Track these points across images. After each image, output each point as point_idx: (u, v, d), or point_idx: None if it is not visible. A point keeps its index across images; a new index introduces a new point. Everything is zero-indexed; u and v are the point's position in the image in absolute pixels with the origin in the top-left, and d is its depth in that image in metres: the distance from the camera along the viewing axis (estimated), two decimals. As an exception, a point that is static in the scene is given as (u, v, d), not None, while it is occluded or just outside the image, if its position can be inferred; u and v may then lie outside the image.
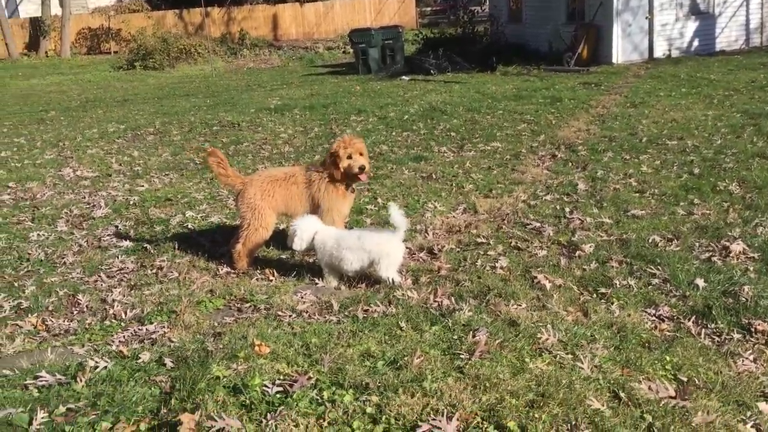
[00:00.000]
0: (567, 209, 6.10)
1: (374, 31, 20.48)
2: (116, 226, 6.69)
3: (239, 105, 14.70)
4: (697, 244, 5.04)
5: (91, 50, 34.69)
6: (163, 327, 4.17)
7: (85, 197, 7.92)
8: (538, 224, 5.74)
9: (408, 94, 14.57)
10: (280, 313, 4.21)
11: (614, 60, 17.53)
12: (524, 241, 5.36)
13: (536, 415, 2.69)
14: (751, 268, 4.51)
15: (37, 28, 33.01)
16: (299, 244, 4.70)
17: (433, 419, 2.63)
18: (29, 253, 6.08)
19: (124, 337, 4.08)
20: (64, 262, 5.81)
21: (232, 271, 5.19)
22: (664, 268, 4.60)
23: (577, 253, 4.99)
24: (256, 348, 3.32)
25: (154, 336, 4.03)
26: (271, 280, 4.90)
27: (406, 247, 5.08)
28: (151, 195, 7.71)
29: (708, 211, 5.79)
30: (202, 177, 8.47)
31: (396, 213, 4.52)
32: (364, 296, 4.42)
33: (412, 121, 11.35)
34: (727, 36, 18.76)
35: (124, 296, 4.97)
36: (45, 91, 21.68)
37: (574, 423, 2.64)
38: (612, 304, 4.09)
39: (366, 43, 20.17)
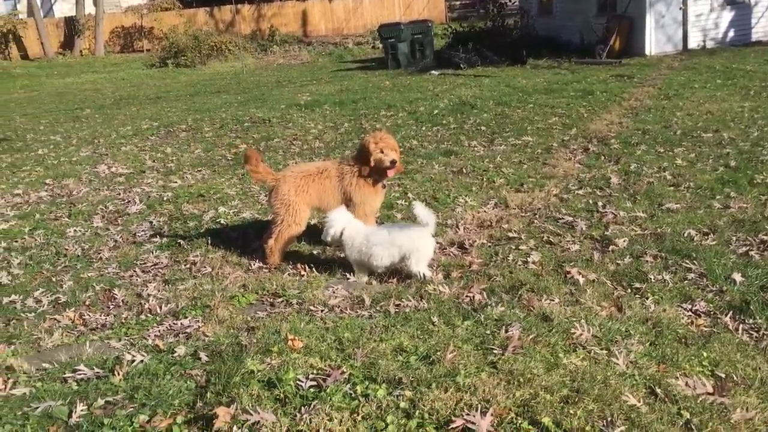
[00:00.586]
0: (600, 203, 6.03)
1: (403, 26, 20.43)
2: (150, 222, 6.79)
3: (270, 101, 14.79)
4: (734, 238, 4.95)
5: (125, 48, 35.17)
6: (198, 321, 4.22)
7: (119, 194, 8.05)
8: (571, 218, 5.68)
9: (437, 88, 14.52)
10: (312, 307, 4.24)
11: (647, 52, 17.26)
12: (556, 236, 5.31)
13: (571, 411, 2.66)
14: (791, 263, 4.41)
15: (71, 28, 33.55)
16: (329, 236, 4.73)
17: (467, 414, 2.62)
18: (66, 249, 6.20)
19: (159, 331, 4.14)
20: (100, 258, 5.91)
21: (264, 266, 5.23)
22: (700, 262, 4.52)
23: (611, 247, 4.93)
24: (290, 342, 3.35)
25: (188, 330, 4.08)
26: (303, 275, 4.93)
27: (437, 242, 5.07)
28: (184, 191, 7.80)
29: (745, 205, 5.68)
30: (234, 173, 8.54)
31: (421, 210, 4.51)
32: (396, 291, 4.42)
33: (441, 115, 11.31)
34: (764, 26, 18.34)
35: (158, 291, 5.04)
36: (80, 89, 22.06)
37: (610, 419, 2.62)
38: (647, 299, 4.03)
39: (395, 38, 20.13)
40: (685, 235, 5.05)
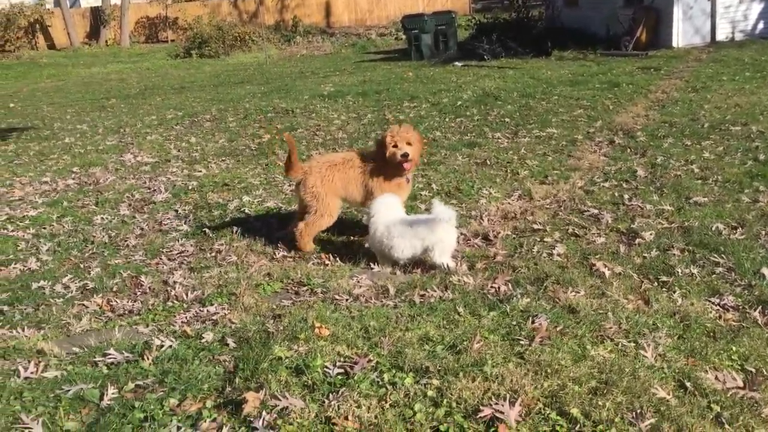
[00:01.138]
0: (626, 196, 5.98)
1: (427, 17, 20.33)
2: (176, 211, 6.85)
3: (293, 92, 14.83)
4: (763, 232, 4.89)
5: (149, 39, 35.45)
6: (224, 309, 4.25)
7: (145, 182, 8.13)
8: (596, 211, 5.64)
9: (461, 80, 14.46)
10: (337, 296, 4.25)
11: (674, 44, 17.02)
12: (582, 228, 5.28)
13: (600, 403, 2.65)
14: (822, 258, 4.34)
15: (97, 18, 33.88)
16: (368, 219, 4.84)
17: (495, 404, 2.62)
18: (94, 236, 6.28)
19: (186, 317, 4.18)
20: (127, 245, 5.98)
21: (288, 254, 5.26)
22: (728, 256, 4.47)
23: (637, 240, 4.89)
24: (316, 330, 3.37)
25: (215, 317, 4.12)
26: (327, 264, 4.95)
27: (460, 233, 5.06)
28: (209, 180, 7.86)
29: (774, 199, 5.60)
30: (258, 163, 8.59)
31: (440, 208, 4.51)
32: (420, 281, 4.43)
33: (465, 107, 11.26)
34: (795, 18, 18.00)
35: (184, 278, 5.09)
36: (105, 78, 22.28)
37: (639, 411, 2.60)
38: (674, 292, 3.99)
39: (419, 29, 20.05)
40: (713, 228, 5.00)
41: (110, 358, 3.45)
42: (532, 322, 3.52)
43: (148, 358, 3.35)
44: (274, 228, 5.91)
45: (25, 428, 2.75)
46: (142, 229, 6.40)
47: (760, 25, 17.72)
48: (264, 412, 2.63)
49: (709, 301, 3.89)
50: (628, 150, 7.71)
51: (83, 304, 4.79)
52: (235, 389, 2.89)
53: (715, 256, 4.50)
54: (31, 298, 5.02)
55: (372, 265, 4.81)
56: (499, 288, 4.18)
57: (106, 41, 33.70)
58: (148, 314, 4.40)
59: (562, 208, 5.85)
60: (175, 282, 5.03)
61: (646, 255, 4.61)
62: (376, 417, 2.61)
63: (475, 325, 3.49)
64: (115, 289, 5.06)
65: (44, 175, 8.88)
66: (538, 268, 4.46)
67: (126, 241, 6.08)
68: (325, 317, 3.73)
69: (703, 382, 2.91)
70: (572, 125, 9.29)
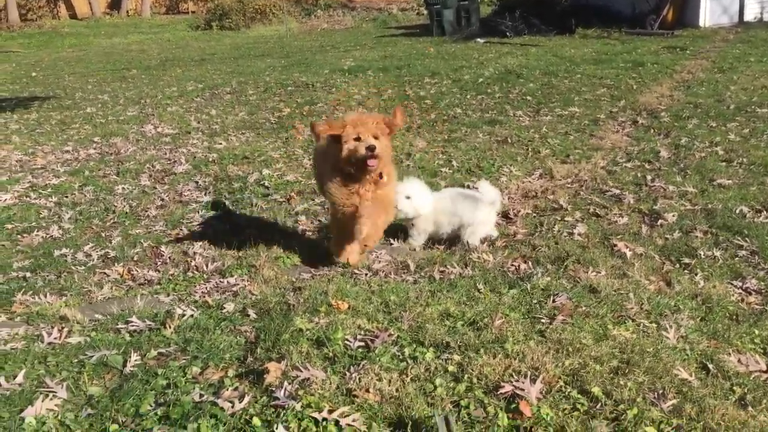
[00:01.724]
0: (648, 177, 5.91)
1: (449, -8, 20.12)
2: (196, 182, 6.87)
3: (313, 66, 14.76)
4: (788, 216, 4.82)
5: (170, 10, 35.40)
6: (243, 280, 4.27)
7: (166, 153, 8.15)
8: (618, 191, 5.58)
9: (483, 56, 14.31)
10: (356, 271, 4.26)
11: (701, 23, 16.71)
12: (603, 208, 5.23)
13: (621, 382, 2.64)
14: None
15: (118, -12, 33.88)
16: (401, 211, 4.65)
17: (516, 380, 2.62)
18: (115, 206, 6.32)
19: (206, 288, 4.21)
20: (148, 215, 6.02)
21: (308, 228, 5.27)
22: (752, 239, 4.42)
23: (659, 221, 4.84)
24: (335, 303, 3.37)
25: (235, 288, 4.14)
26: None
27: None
28: (229, 153, 7.87)
29: (801, 183, 5.51)
30: (278, 136, 8.58)
31: (487, 188, 4.54)
32: (440, 258, 4.42)
33: (486, 84, 11.16)
34: (826, -1, 17.60)
35: (204, 250, 5.12)
36: (126, 49, 22.32)
37: (661, 391, 2.59)
38: (696, 274, 3.95)
39: (441, 4, 19.84)
40: (737, 211, 4.93)
41: (132, 326, 3.48)
42: (553, 301, 3.50)
43: (170, 327, 3.38)
44: (294, 201, 5.91)
45: (50, 392, 2.79)
46: (162, 199, 6.43)
47: (790, 6, 17.35)
48: (286, 383, 2.65)
49: (732, 284, 3.85)
50: (652, 130, 7.62)
51: (105, 273, 4.84)
52: (256, 359, 2.91)
53: (739, 239, 4.44)
54: (53, 265, 5.07)
55: (391, 241, 4.80)
56: (519, 266, 4.16)
57: (127, 12, 33.71)
58: (168, 284, 4.43)
59: (583, 187, 5.80)
60: (194, 253, 5.06)
61: (668, 236, 4.57)
62: (396, 390, 2.62)
63: (496, 303, 3.49)
64: (135, 259, 5.10)
65: (66, 144, 8.94)
66: (559, 248, 4.43)
67: (147, 211, 6.12)
68: (345, 291, 3.74)
69: (726, 365, 2.89)
70: (595, 104, 9.18)
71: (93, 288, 4.56)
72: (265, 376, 2.71)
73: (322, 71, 13.77)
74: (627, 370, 2.74)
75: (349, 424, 2.43)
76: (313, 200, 5.90)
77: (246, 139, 8.61)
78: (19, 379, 2.91)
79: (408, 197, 4.55)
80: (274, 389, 2.63)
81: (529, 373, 2.67)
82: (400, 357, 2.85)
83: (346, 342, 2.99)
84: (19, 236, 5.78)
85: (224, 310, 3.57)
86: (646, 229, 4.72)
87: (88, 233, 5.75)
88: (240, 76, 14.04)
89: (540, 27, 18.03)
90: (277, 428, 2.41)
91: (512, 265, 4.19)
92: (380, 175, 3.98)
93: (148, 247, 5.27)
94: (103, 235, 5.65)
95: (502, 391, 2.57)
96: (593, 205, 5.33)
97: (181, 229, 5.61)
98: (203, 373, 2.85)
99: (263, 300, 3.72)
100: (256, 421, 2.47)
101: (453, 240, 4.71)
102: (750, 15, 17.01)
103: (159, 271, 4.80)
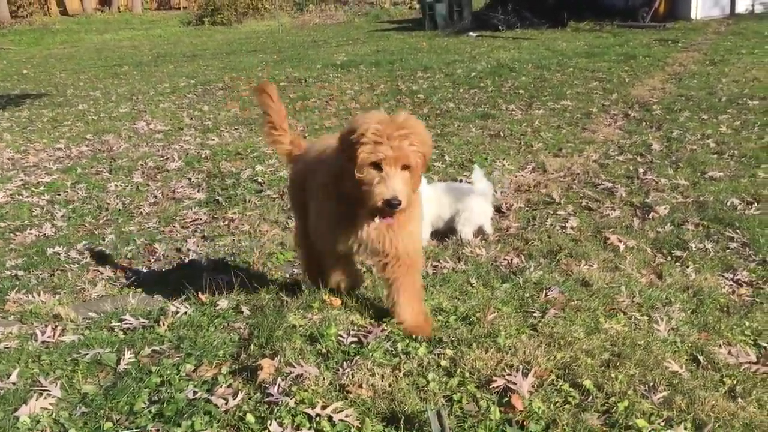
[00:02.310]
0: (640, 170, 5.94)
1: (441, -14, 20.11)
2: (189, 179, 6.87)
3: (305, 61, 14.73)
4: (779, 208, 4.85)
5: (162, 6, 35.25)
6: (237, 277, 4.27)
7: (158, 150, 8.14)
8: (610, 185, 5.61)
9: (475, 50, 14.31)
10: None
11: (693, 16, 16.75)
12: (595, 202, 5.26)
13: (612, 375, 2.66)
14: (839, 234, 4.31)
15: (109, -16, 33.71)
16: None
17: (508, 374, 2.64)
18: (108, 203, 6.32)
19: (200, 285, 4.21)
20: (141, 212, 6.02)
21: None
22: (743, 231, 4.45)
23: (651, 214, 4.87)
24: (328, 300, 3.38)
25: (228, 285, 4.14)
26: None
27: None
28: (222, 149, 7.86)
29: (792, 174, 5.55)
30: (271, 132, 8.57)
31: (479, 176, 4.56)
32: (433, 253, 4.43)
33: (479, 78, 11.16)
34: (817, -10, 17.67)
35: (198, 246, 5.13)
36: (118, 46, 22.23)
37: (652, 384, 2.61)
38: (688, 267, 3.98)
39: (433, -2, 19.84)
40: (728, 203, 4.96)
41: (126, 324, 3.49)
42: (545, 295, 3.52)
43: (163, 324, 3.38)
44: (287, 197, 5.92)
45: (44, 390, 2.79)
46: (155, 196, 6.43)
47: (782, -2, 17.41)
48: (279, 379, 2.66)
49: (723, 276, 3.88)
50: (644, 123, 7.64)
51: (98, 270, 4.84)
52: (250, 356, 2.92)
53: (730, 231, 4.47)
54: (46, 263, 5.07)
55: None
56: (511, 260, 4.18)
57: (119, 8, 33.55)
58: (162, 281, 4.43)
59: (575, 181, 5.82)
60: (188, 250, 5.07)
61: (660, 229, 4.59)
62: (389, 385, 2.63)
63: (488, 297, 3.50)
64: (129, 256, 5.10)
65: (58, 142, 8.92)
66: (551, 241, 4.45)
67: (140, 208, 6.12)
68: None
69: (716, 357, 2.91)
70: (587, 98, 9.20)
71: (86, 286, 4.57)
72: (258, 372, 2.72)
73: (314, 66, 13.75)
74: (618, 363, 2.76)
75: (342, 420, 2.44)
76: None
77: (239, 135, 8.60)
78: (13, 378, 2.91)
79: None
80: (267, 386, 2.64)
81: (521, 367, 2.69)
82: (393, 352, 2.87)
83: (339, 338, 3.00)
84: (11, 234, 5.77)
85: (218, 307, 3.58)
86: (638, 222, 4.74)
87: (81, 231, 5.74)
88: (232, 71, 14.01)
89: (532, 20, 18.05)
90: (270, 424, 2.41)
91: (505, 259, 4.21)
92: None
93: (141, 245, 5.28)
94: (97, 232, 5.66)
95: (494, 385, 2.58)
96: (585, 198, 5.35)
97: (174, 226, 5.62)
98: (197, 371, 2.85)
99: (257, 297, 3.73)
100: (249, 417, 2.48)
101: (446, 235, 4.72)
102: (741, 7, 17.06)
103: (153, 269, 4.81)
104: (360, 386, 2.63)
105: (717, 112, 7.84)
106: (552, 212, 5.09)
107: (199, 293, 3.86)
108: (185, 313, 3.53)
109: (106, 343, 3.22)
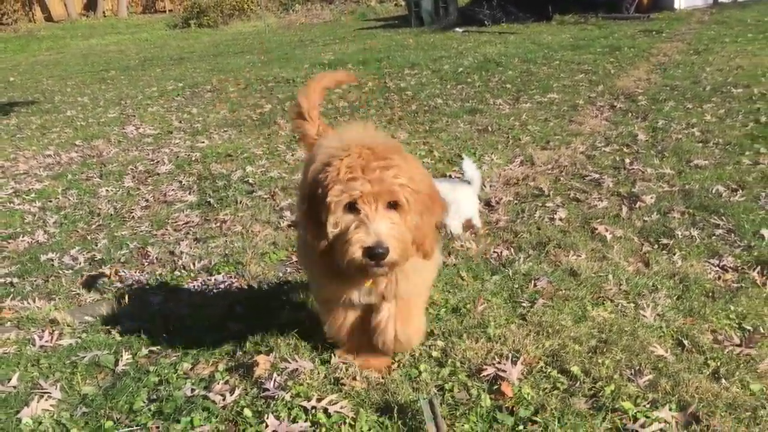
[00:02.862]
0: (627, 160, 6.01)
1: (426, -17, 20.16)
2: (180, 182, 6.90)
3: (293, 61, 14.75)
4: (762, 194, 4.92)
5: (147, 9, 35.15)
6: (231, 277, 4.32)
7: (148, 154, 8.16)
8: (597, 176, 5.68)
9: (462, 46, 14.37)
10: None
11: (676, 6, 16.87)
12: (583, 193, 5.32)
13: (599, 360, 2.73)
14: (821, 218, 4.39)
15: (93, -11, 33.58)
16: None
17: (498, 363, 2.71)
18: (99, 208, 6.34)
19: (194, 286, 4.26)
20: (133, 217, 6.04)
21: (292, 223, 5.32)
22: (728, 218, 4.52)
23: (638, 204, 4.94)
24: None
25: (222, 286, 4.20)
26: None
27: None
28: (212, 151, 7.89)
29: (775, 161, 5.63)
30: (260, 133, 8.61)
31: (469, 166, 4.60)
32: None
33: (466, 73, 11.22)
34: (799, -23, 17.81)
35: (191, 248, 5.16)
36: (104, 50, 22.16)
37: (637, 368, 2.68)
38: (674, 254, 4.05)
39: (418, -6, 19.89)
40: (714, 191, 5.04)
41: (122, 327, 3.53)
42: (534, 285, 3.59)
43: (160, 326, 3.43)
44: (279, 197, 5.96)
45: (44, 392, 2.84)
46: (147, 200, 6.45)
47: (764, -14, 17.55)
48: (275, 374, 2.72)
49: (709, 262, 3.94)
50: (630, 114, 7.72)
51: (92, 275, 4.88)
52: (245, 353, 2.98)
53: (715, 218, 4.54)
54: (40, 270, 5.09)
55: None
56: (501, 253, 4.24)
57: (104, 12, 33.43)
58: (156, 284, 4.47)
59: (563, 173, 5.89)
60: (181, 252, 5.10)
61: (646, 218, 4.66)
62: (383, 377, 2.69)
63: (478, 289, 3.57)
64: (122, 260, 5.13)
65: (47, 149, 8.92)
66: (540, 233, 4.52)
67: (131, 212, 6.14)
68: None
69: (701, 340, 2.98)
70: (573, 90, 9.28)
71: (81, 291, 4.60)
72: (254, 368, 2.77)
73: (302, 66, 13.77)
74: (605, 349, 2.83)
75: (337, 411, 2.50)
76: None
77: (228, 136, 8.63)
78: (14, 381, 2.96)
79: None
80: (263, 381, 2.70)
81: (510, 355, 2.76)
82: (386, 345, 2.93)
83: (332, 333, 3.06)
84: (4, 242, 5.79)
85: (213, 307, 3.63)
86: (625, 212, 4.81)
87: (74, 237, 5.76)
88: (220, 73, 14.01)
89: (517, 14, 18.13)
90: (267, 418, 2.48)
91: (495, 252, 4.27)
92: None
93: (134, 249, 5.31)
94: (89, 238, 5.68)
95: (484, 373, 2.65)
96: (573, 190, 5.42)
97: (166, 229, 5.65)
98: (194, 369, 2.91)
99: (251, 296, 3.78)
100: (247, 412, 2.54)
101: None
102: (724, -4, 17.21)
103: (146, 272, 4.84)
104: (354, 378, 2.69)
105: (701, 101, 7.93)
106: (541, 204, 5.15)
107: (194, 294, 3.90)
108: (181, 314, 3.58)
109: (103, 345, 3.27)
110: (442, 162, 6.54)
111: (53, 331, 3.52)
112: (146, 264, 5.03)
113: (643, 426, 2.37)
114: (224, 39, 22.68)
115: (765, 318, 3.22)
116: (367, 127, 2.41)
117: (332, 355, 2.89)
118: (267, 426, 2.43)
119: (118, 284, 4.74)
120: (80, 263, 5.17)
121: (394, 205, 2.15)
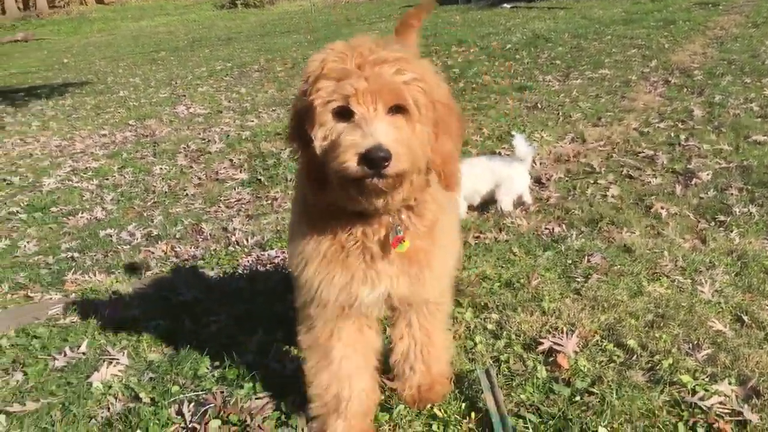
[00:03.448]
0: (682, 136, 5.88)
1: (473, -42, 19.88)
2: (231, 160, 7.01)
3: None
4: (825, 170, 4.79)
5: (194, -10, 35.49)
6: (283, 252, 4.40)
7: (200, 133, 8.31)
8: (651, 152, 5.58)
9: (510, 22, 14.16)
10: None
11: (733, -23, 16.27)
12: (636, 170, 5.24)
13: (656, 335, 2.72)
14: None
15: (142, -29, 34.06)
16: None
17: (553, 336, 2.71)
18: (154, 186, 6.51)
19: (248, 261, 4.35)
20: (186, 194, 6.19)
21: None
22: (788, 195, 4.41)
23: (694, 180, 4.84)
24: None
25: (276, 261, 4.28)
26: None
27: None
28: (261, 130, 7.99)
29: (839, 136, 5.45)
30: (309, 111, 8.67)
31: (521, 143, 4.58)
32: (474, 224, 4.49)
33: (515, 50, 11.07)
34: None
35: (243, 225, 5.27)
36: (154, 32, 22.53)
37: (695, 342, 2.66)
38: (731, 231, 3.97)
39: (465, -30, 19.63)
40: (773, 167, 4.91)
41: (182, 297, 3.64)
42: (588, 261, 3.56)
43: (216, 298, 3.52)
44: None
45: (112, 359, 2.96)
46: (199, 178, 6.59)
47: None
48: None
49: (768, 239, 3.87)
50: (685, 89, 7.54)
51: (149, 250, 5.02)
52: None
53: (775, 194, 4.44)
54: (99, 245, 5.27)
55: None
56: (553, 229, 4.22)
57: (152, -6, 33.90)
58: (212, 258, 4.58)
59: (615, 150, 5.80)
60: (234, 228, 5.21)
61: (703, 195, 4.58)
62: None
63: (531, 264, 3.57)
64: (177, 236, 5.27)
65: (102, 128, 9.16)
66: (593, 210, 4.48)
67: (185, 190, 6.28)
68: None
69: (761, 316, 2.93)
70: (626, 65, 9.08)
71: (140, 265, 4.75)
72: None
73: (348, 45, 13.76)
74: (662, 324, 2.81)
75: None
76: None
77: (277, 115, 8.72)
78: (83, 348, 3.09)
79: None
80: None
81: (565, 328, 2.76)
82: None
83: (387, 305, 3.10)
84: (65, 218, 6.00)
85: (268, 281, 3.71)
86: (680, 189, 4.73)
87: (131, 213, 5.94)
88: (267, 53, 14.12)
89: (567, -11, 17.74)
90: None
91: (546, 228, 4.25)
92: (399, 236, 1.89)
93: (188, 225, 5.44)
94: (145, 214, 5.84)
95: (540, 347, 2.66)
96: (626, 166, 5.34)
97: (219, 206, 5.77)
98: (253, 338, 2.99)
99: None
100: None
101: (486, 207, 4.76)
102: (785, -34, 16.52)
103: (201, 248, 4.96)
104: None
105: (760, 75, 7.69)
106: (592, 181, 5.09)
107: (249, 269, 3.99)
108: (238, 287, 3.67)
109: (165, 315, 3.37)
110: (491, 139, 6.50)
111: (116, 301, 3.64)
112: (200, 240, 5.15)
113: (702, 399, 2.36)
114: (271, 19, 22.80)
115: (828, 295, 3.15)
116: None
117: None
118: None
119: (174, 259, 4.87)
120: (137, 239, 5.33)
121: (399, 110, 1.68)
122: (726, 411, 2.33)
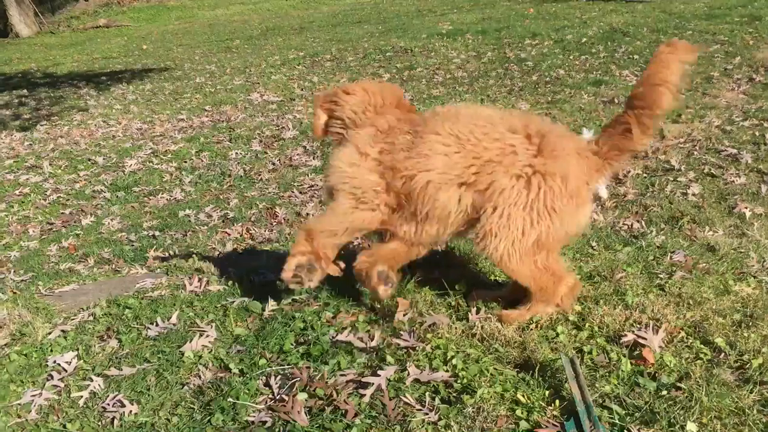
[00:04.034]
0: (767, 135, 5.68)
1: (548, -50, 19.51)
2: (304, 147, 7.14)
3: (410, 30, 14.77)
4: None
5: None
6: (357, 238, 4.46)
7: (273, 120, 8.48)
8: (735, 151, 5.41)
9: (586, 15, 13.88)
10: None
11: (825, -28, 15.53)
12: (719, 168, 5.10)
13: (745, 334, 2.66)
14: None
15: (218, -39, 34.68)
16: None
17: (638, 330, 2.69)
18: (230, 170, 6.69)
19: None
20: (261, 179, 6.34)
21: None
22: None
23: (781, 181, 4.69)
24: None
25: (354, 244, 4.34)
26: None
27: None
28: (335, 118, 8.08)
29: None
30: (381, 101, 8.72)
31: (589, 138, 4.50)
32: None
33: (590, 43, 10.86)
34: None
35: (316, 210, 5.37)
36: (229, 20, 23.01)
37: (788, 344, 2.60)
38: (822, 234, 3.83)
39: (539, -37, 19.30)
40: None
41: (263, 277, 3.74)
42: (670, 258, 3.50)
43: (298, 278, 3.60)
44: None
45: (201, 331, 3.08)
46: (273, 164, 6.74)
47: None
48: (414, 327, 2.83)
49: None
50: (771, 88, 7.27)
51: (226, 232, 5.18)
52: (384, 306, 3.09)
53: None
54: (178, 225, 5.47)
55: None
56: (631, 225, 4.15)
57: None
58: (287, 242, 4.69)
59: (696, 147, 5.65)
60: (307, 213, 5.32)
61: (791, 196, 4.43)
62: (520, 336, 2.74)
63: (611, 259, 3.53)
64: (253, 219, 5.41)
65: (180, 113, 9.45)
66: (673, 207, 4.39)
67: (259, 175, 6.44)
68: (458, 244, 3.85)
69: None
70: (708, 62, 8.80)
71: (217, 245, 4.90)
72: (395, 310, 2.89)
73: (420, 36, 13.76)
74: (750, 323, 2.75)
75: (476, 362, 2.57)
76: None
77: (350, 104, 8.80)
78: (173, 319, 3.23)
79: None
80: (402, 332, 2.81)
81: (650, 323, 2.73)
82: (521, 307, 2.97)
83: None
84: (146, 198, 6.25)
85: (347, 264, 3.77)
86: (765, 189, 4.58)
87: (208, 196, 6.13)
88: (339, 43, 14.25)
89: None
90: (409, 366, 2.58)
91: (624, 224, 4.19)
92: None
93: (263, 209, 5.58)
94: (222, 197, 6.02)
95: (624, 339, 2.64)
96: (708, 165, 5.20)
97: (292, 192, 5.89)
98: (336, 317, 3.06)
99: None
100: (389, 359, 2.66)
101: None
102: None
103: (275, 231, 5.09)
104: (492, 337, 2.75)
105: None
106: (672, 179, 4.98)
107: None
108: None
109: (249, 292, 3.48)
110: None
111: (201, 278, 3.78)
112: (275, 223, 5.28)
113: (794, 401, 2.31)
114: (342, 9, 22.95)
115: None
116: None
117: (468, 312, 2.96)
118: (408, 374, 2.53)
119: (250, 241, 5.02)
120: (214, 220, 5.51)
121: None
122: (819, 414, 2.26)
